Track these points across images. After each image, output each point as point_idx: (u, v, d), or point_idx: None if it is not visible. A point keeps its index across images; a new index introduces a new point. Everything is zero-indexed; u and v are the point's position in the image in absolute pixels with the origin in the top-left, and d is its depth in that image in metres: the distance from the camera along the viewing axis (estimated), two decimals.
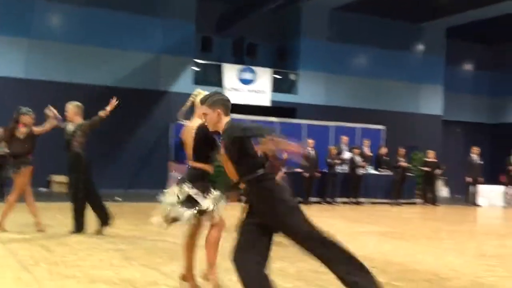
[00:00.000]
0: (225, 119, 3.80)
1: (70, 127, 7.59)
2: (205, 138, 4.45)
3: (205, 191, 4.43)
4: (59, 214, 9.37)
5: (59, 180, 16.46)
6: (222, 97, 3.90)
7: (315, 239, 3.61)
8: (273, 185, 3.69)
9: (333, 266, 3.61)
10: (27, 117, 7.75)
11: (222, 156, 3.83)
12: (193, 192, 4.39)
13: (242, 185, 3.72)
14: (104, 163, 16.43)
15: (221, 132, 3.78)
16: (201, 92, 4.68)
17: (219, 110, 3.80)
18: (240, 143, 3.66)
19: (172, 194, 4.46)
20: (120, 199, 13.13)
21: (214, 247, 4.54)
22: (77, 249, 6.45)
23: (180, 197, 4.40)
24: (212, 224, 4.56)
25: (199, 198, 4.39)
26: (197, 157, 4.54)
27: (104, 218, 7.65)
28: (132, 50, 18.10)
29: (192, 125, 4.63)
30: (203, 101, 3.90)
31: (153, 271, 5.35)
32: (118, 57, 17.92)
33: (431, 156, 17.24)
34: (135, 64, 18.24)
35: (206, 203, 4.40)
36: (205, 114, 3.85)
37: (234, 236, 3.69)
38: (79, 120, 7.63)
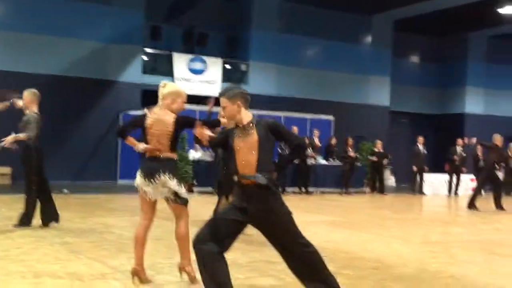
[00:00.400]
0: (245, 112, 3.94)
1: (25, 116, 7.34)
2: (181, 130, 4.63)
3: (181, 181, 4.58)
4: (3, 207, 9.04)
5: (2, 171, 15.93)
6: (241, 91, 4.04)
7: (303, 244, 3.95)
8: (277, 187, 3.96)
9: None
10: None
11: (237, 148, 3.89)
12: (173, 183, 4.50)
13: (246, 181, 3.82)
14: (52, 153, 15.88)
15: (242, 123, 3.92)
16: (166, 84, 4.78)
17: (239, 103, 3.93)
18: (278, 135, 3.90)
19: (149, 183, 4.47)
20: (67, 191, 12.80)
21: (187, 238, 4.54)
22: (21, 242, 6.25)
23: (161, 188, 4.48)
24: (181, 216, 4.59)
25: (180, 189, 4.53)
26: (173, 147, 4.62)
27: (51, 214, 7.43)
28: (80, 38, 17.62)
29: (164, 116, 4.60)
30: (222, 94, 4.02)
31: (100, 264, 5.24)
32: (66, 46, 17.42)
33: (379, 146, 17.63)
34: (83, 52, 17.77)
35: (185, 193, 4.57)
36: (224, 107, 3.99)
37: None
38: (34, 108, 7.39)
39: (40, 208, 7.43)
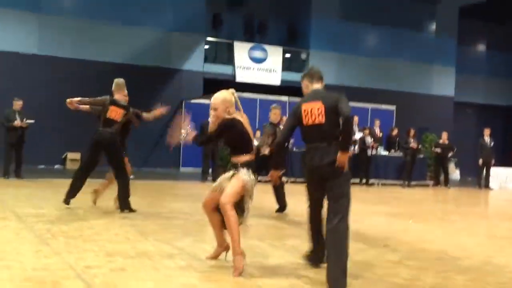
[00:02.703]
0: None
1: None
2: None
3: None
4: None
5: (73, 157, 16.62)
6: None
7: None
8: None
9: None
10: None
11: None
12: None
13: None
14: None
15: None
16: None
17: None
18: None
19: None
20: (133, 177, 13.21)
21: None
22: (93, 224, 6.55)
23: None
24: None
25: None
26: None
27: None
28: (143, 27, 18.10)
29: (244, 119, 4.74)
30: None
31: (167, 246, 5.44)
32: (129, 34, 17.93)
33: (444, 138, 17.20)
34: (146, 41, 18.24)
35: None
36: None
37: None
38: (123, 97, 7.71)
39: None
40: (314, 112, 4.39)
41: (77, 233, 5.86)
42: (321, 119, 4.35)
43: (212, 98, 4.72)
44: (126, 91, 7.75)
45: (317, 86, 4.69)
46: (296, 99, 17.98)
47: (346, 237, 4.21)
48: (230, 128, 4.59)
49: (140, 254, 4.98)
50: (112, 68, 17.44)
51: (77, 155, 16.37)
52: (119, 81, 7.75)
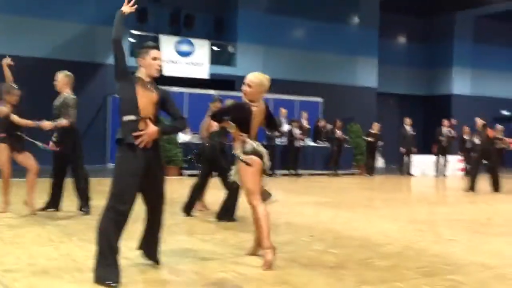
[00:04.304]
0: None
1: (57, 100, 7.25)
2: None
3: None
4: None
5: None
6: None
7: None
8: None
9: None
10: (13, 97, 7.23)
11: None
12: None
13: None
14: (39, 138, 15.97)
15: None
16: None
17: None
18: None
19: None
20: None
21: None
22: (13, 225, 6.31)
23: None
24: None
25: None
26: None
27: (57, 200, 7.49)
28: (67, 21, 17.52)
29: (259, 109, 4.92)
30: None
31: (93, 246, 5.31)
32: (52, 28, 17.32)
33: (375, 128, 17.83)
34: (69, 35, 17.68)
35: None
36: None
37: None
38: (69, 90, 7.31)
39: (53, 193, 7.42)
40: None
41: None
42: None
43: (251, 75, 4.86)
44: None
45: None
46: (225, 92, 18.08)
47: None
48: (239, 110, 4.86)
49: (63, 255, 4.86)
50: (35, 62, 16.78)
51: None
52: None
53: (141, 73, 4.34)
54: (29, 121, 7.11)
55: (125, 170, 4.10)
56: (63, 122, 7.05)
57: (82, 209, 7.33)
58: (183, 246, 5.49)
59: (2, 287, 3.82)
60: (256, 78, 4.83)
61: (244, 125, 4.81)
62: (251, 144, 4.76)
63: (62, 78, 7.35)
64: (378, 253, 5.48)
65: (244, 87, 4.85)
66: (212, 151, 7.49)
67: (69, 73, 7.46)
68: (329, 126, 17.46)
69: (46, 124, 7.00)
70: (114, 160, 4.30)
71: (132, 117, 4.18)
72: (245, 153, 4.73)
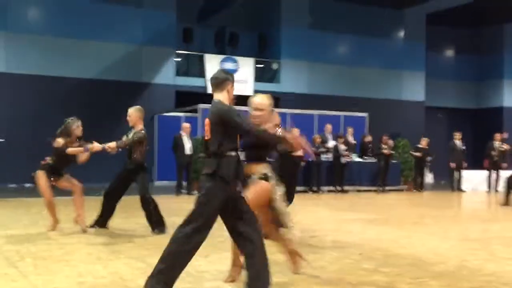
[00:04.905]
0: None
1: (130, 134, 7.38)
2: None
3: None
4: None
5: None
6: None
7: None
8: None
9: None
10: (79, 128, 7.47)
11: None
12: None
13: None
14: (93, 157, 16.32)
15: None
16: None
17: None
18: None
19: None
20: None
21: None
22: (63, 243, 6.41)
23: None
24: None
25: None
26: None
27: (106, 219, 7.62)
28: (113, 41, 17.96)
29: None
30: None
31: (141, 263, 5.34)
32: (99, 49, 17.77)
33: (423, 143, 17.40)
34: (116, 56, 18.10)
35: None
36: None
37: None
38: (140, 125, 7.37)
39: (105, 210, 7.58)
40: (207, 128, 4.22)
41: (47, 254, 5.72)
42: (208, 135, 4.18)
43: (258, 98, 4.77)
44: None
45: (216, 96, 4.33)
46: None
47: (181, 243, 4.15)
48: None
49: (112, 273, 4.89)
50: (81, 83, 17.25)
51: None
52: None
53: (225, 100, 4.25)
54: (79, 148, 7.25)
55: None
56: (112, 145, 7.16)
57: (155, 230, 7.37)
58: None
59: None
60: (263, 100, 4.72)
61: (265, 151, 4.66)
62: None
63: (134, 113, 7.41)
64: (430, 272, 5.29)
65: (255, 113, 4.64)
66: None
67: (140, 107, 7.54)
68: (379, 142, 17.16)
69: (96, 147, 7.12)
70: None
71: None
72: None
